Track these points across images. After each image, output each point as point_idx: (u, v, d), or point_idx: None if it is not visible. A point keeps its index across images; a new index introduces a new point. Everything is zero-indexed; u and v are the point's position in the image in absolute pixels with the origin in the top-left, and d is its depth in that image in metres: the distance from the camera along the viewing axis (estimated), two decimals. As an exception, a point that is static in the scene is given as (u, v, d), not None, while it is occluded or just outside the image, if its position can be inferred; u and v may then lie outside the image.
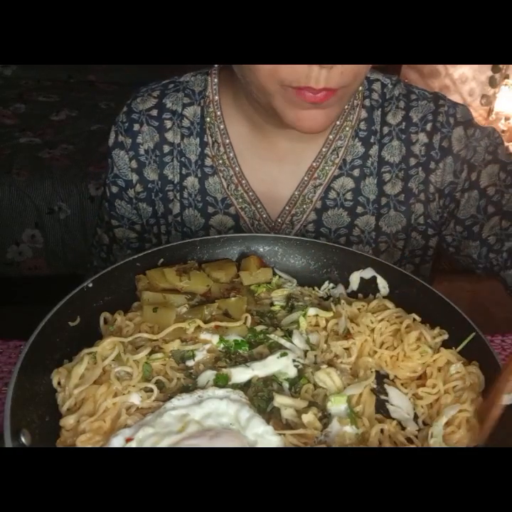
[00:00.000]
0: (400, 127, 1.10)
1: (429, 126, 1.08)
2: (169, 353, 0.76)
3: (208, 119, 1.12)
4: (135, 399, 0.69)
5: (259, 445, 0.64)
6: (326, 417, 0.70)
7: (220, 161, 1.12)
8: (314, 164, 1.10)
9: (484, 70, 4.09)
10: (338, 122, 1.09)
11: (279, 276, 0.95)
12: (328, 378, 0.74)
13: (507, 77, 3.85)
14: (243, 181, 1.12)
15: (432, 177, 1.08)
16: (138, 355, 0.72)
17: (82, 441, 0.64)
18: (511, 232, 1.06)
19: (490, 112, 3.93)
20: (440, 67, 4.15)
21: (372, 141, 1.11)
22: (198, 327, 0.79)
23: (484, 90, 4.13)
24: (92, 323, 0.80)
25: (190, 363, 0.76)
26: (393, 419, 0.71)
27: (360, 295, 0.92)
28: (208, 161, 1.12)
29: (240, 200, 1.12)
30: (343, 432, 0.68)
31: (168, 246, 0.93)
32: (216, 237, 0.97)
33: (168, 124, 1.13)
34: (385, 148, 1.10)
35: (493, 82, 3.92)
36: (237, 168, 1.12)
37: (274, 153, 1.11)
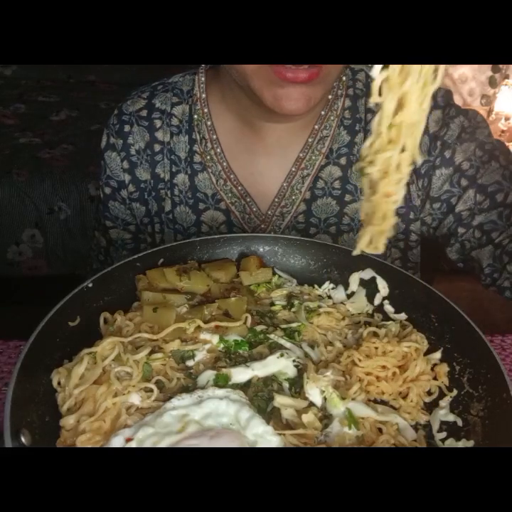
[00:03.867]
0: None
1: None
2: (169, 353, 0.76)
3: (196, 116, 1.13)
4: (135, 399, 0.69)
5: (259, 445, 0.64)
6: (326, 418, 0.70)
7: (208, 157, 1.13)
8: (301, 155, 1.11)
9: (484, 70, 4.09)
10: (322, 112, 1.10)
11: (279, 276, 0.95)
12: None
13: (507, 77, 3.84)
14: (231, 176, 1.13)
15: None
16: (138, 355, 0.72)
17: (82, 441, 0.64)
18: (484, 206, 1.05)
19: (490, 111, 3.92)
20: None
21: (357, 128, 1.12)
22: (198, 327, 0.79)
23: (484, 90, 4.13)
24: (92, 323, 0.80)
25: (190, 363, 0.76)
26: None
27: (362, 294, 0.92)
28: (197, 158, 1.14)
29: (230, 194, 1.13)
30: (343, 433, 0.68)
31: (168, 246, 0.93)
32: (216, 237, 0.97)
33: (158, 123, 1.14)
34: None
35: (493, 82, 3.92)
36: (224, 163, 1.13)
37: (261, 146, 1.12)
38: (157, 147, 1.14)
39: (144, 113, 1.15)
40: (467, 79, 4.17)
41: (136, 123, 1.15)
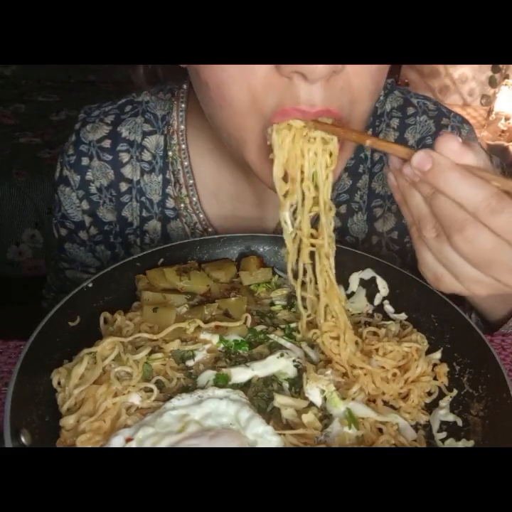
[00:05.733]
0: None
1: None
2: (169, 353, 0.76)
3: (170, 153, 0.95)
4: (135, 399, 0.69)
5: (259, 445, 0.64)
6: (326, 418, 0.70)
7: (182, 205, 0.97)
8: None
9: (484, 70, 4.09)
10: None
11: (279, 276, 0.95)
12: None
13: (507, 77, 3.85)
14: (210, 229, 0.98)
15: None
16: (138, 355, 0.72)
17: (82, 441, 0.64)
18: None
19: (490, 111, 3.93)
20: (440, 67, 4.15)
21: (360, 170, 0.96)
22: (198, 327, 0.79)
23: (484, 90, 4.13)
24: (92, 323, 0.80)
25: (190, 363, 0.76)
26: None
27: (361, 294, 0.92)
28: (170, 202, 0.97)
29: None
30: (343, 433, 0.68)
31: (168, 246, 0.93)
32: (216, 236, 0.97)
33: (125, 157, 0.96)
34: (376, 178, 0.96)
35: (493, 82, 3.93)
36: (201, 215, 0.97)
37: (247, 198, 0.97)
38: (124, 186, 0.96)
39: (107, 144, 0.96)
40: (467, 79, 4.18)
41: (96, 156, 0.96)
